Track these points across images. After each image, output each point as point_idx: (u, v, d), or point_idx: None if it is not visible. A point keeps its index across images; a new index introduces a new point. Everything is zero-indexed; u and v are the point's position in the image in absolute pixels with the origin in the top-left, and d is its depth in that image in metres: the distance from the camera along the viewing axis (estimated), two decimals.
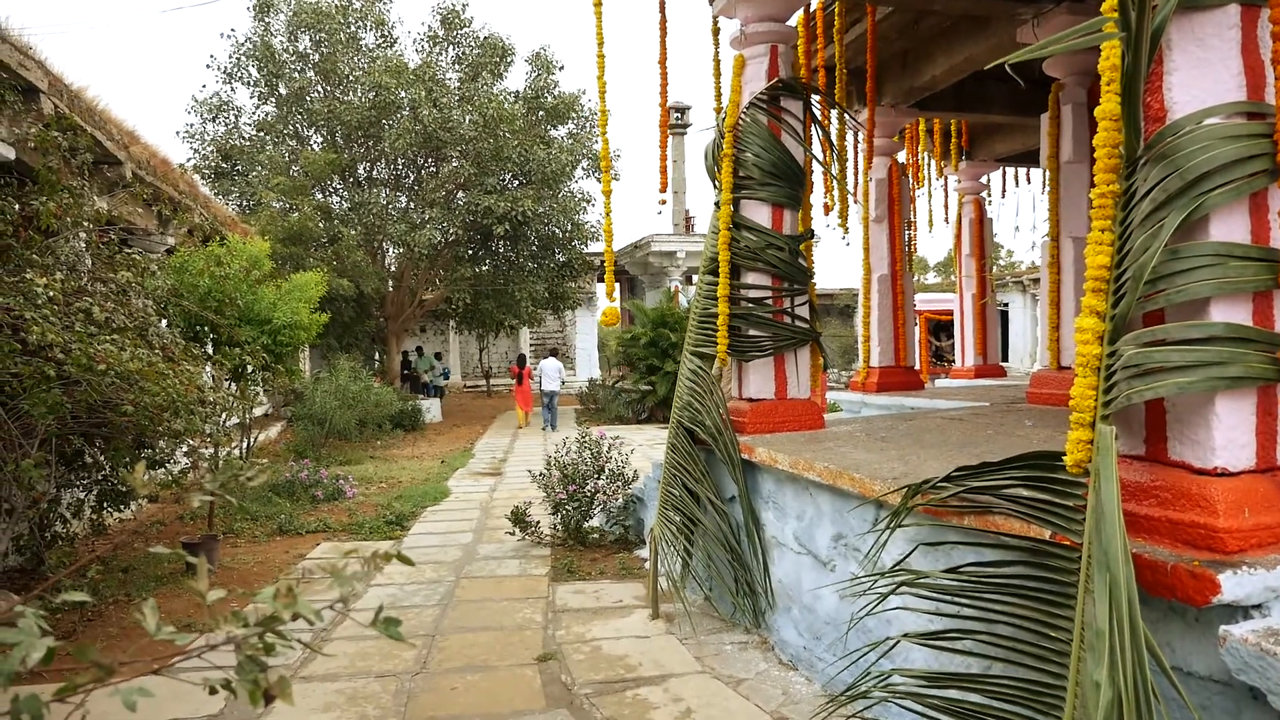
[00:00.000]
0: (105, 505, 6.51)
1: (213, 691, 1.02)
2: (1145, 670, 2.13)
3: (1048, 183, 7.34)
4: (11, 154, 6.58)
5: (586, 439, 7.81)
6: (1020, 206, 39.55)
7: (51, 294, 4.99)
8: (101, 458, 6.15)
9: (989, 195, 12.00)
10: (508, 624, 5.45)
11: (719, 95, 6.21)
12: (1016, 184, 12.86)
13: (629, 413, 19.72)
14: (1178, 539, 2.47)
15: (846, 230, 7.26)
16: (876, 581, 3.29)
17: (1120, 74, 2.41)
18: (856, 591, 3.77)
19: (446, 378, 28.18)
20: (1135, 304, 2.42)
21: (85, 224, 6.02)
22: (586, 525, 7.58)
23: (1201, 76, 2.45)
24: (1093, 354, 2.48)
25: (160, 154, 10.13)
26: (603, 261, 6.03)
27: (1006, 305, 27.48)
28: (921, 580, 3.04)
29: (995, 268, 15.03)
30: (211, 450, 7.31)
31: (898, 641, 3.22)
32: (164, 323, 7.72)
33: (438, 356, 27.16)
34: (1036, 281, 24.83)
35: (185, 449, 6.76)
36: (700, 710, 4.08)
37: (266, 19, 20.00)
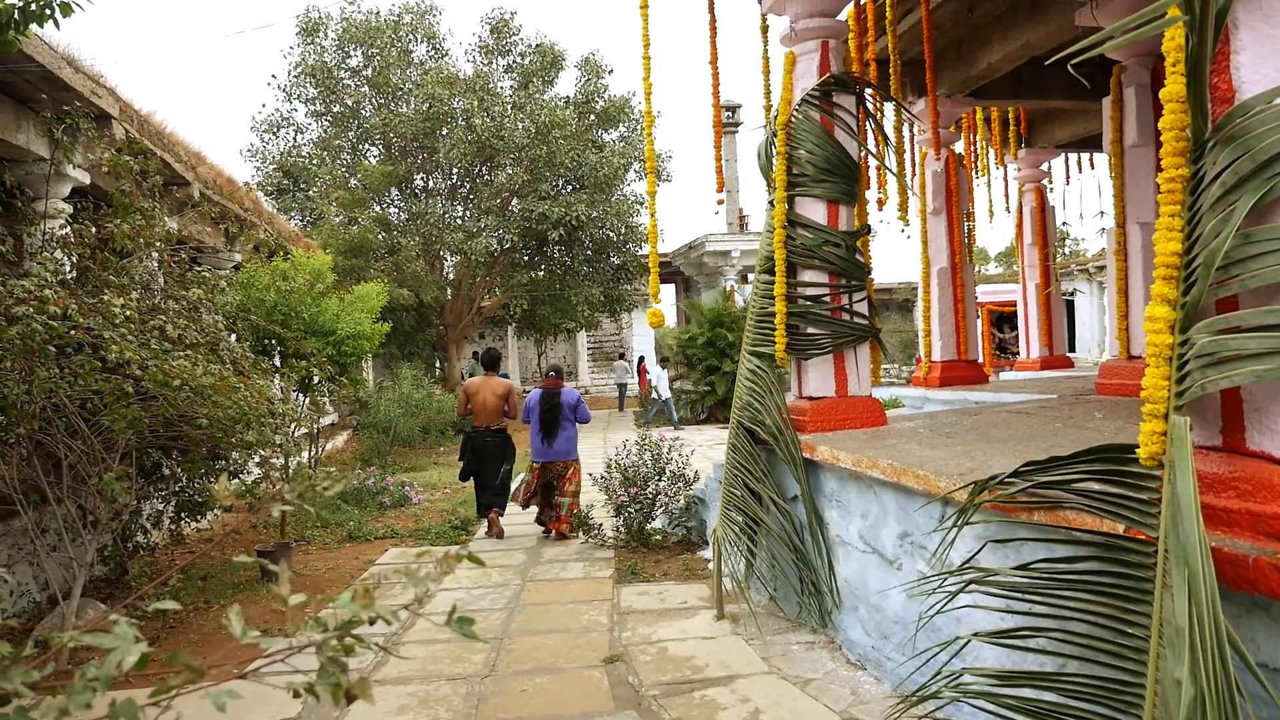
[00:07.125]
0: (183, 515, 6.74)
1: (296, 695, 1.06)
2: (1229, 667, 2.07)
3: (1111, 168, 7.15)
4: (87, 179, 6.86)
5: (646, 441, 7.83)
6: (1084, 193, 38.88)
7: (128, 313, 5.19)
8: (179, 470, 6.35)
9: (1050, 183, 11.72)
10: (574, 626, 5.50)
11: (768, 93, 6.18)
12: (1080, 170, 12.55)
13: (688, 413, 19.71)
14: (1259, 531, 2.39)
15: (907, 223, 7.17)
16: (945, 580, 3.25)
17: (1185, 55, 2.35)
18: (925, 590, 3.72)
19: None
20: (1207, 290, 2.35)
21: (157, 244, 6.24)
22: (649, 527, 7.60)
23: (1271, 54, 2.37)
24: (1164, 343, 2.42)
25: (226, 173, 10.45)
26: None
27: (1072, 294, 26.81)
28: (991, 578, 2.99)
29: (1060, 256, 14.65)
30: (282, 460, 7.50)
31: (968, 640, 3.17)
32: (233, 337, 7.94)
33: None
34: (1103, 269, 24.17)
35: (257, 460, 6.95)
36: (769, 710, 4.06)
37: (316, 40, 20.43)
